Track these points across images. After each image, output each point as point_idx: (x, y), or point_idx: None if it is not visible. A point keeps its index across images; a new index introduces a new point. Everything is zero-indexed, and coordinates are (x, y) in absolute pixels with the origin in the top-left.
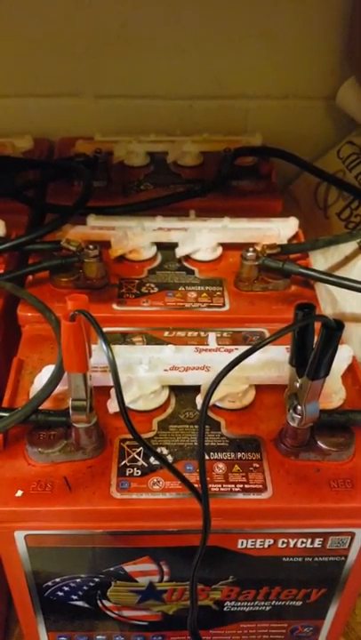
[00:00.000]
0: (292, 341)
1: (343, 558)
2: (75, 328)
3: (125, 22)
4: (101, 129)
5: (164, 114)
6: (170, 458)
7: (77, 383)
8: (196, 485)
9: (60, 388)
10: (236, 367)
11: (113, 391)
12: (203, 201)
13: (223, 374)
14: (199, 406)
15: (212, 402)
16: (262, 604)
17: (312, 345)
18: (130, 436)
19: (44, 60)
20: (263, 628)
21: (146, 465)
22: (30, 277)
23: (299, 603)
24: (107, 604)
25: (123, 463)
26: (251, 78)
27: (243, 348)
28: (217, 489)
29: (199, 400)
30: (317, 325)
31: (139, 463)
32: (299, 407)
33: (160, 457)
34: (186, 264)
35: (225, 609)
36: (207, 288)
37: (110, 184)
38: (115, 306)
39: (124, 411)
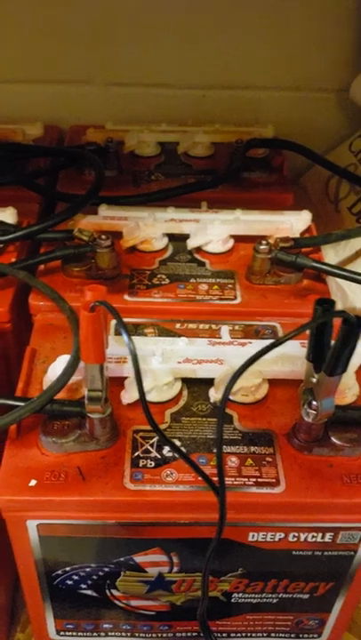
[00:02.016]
0: (310, 337)
1: (353, 553)
2: (94, 319)
3: (137, 10)
4: (112, 117)
5: (175, 103)
6: (183, 450)
7: (94, 374)
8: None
9: (73, 378)
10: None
11: (127, 382)
12: (213, 192)
13: (241, 370)
14: (212, 399)
15: (223, 394)
16: (270, 596)
17: (330, 341)
18: (143, 428)
19: (56, 46)
20: (269, 619)
21: (159, 456)
22: (42, 267)
23: (306, 596)
24: (115, 593)
25: (136, 454)
26: (263, 69)
27: (256, 342)
28: (230, 482)
29: (212, 393)
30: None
31: (152, 455)
32: (314, 402)
33: (178, 450)
34: (197, 256)
35: (232, 600)
36: (218, 280)
37: (121, 173)
38: (126, 296)
39: (145, 403)
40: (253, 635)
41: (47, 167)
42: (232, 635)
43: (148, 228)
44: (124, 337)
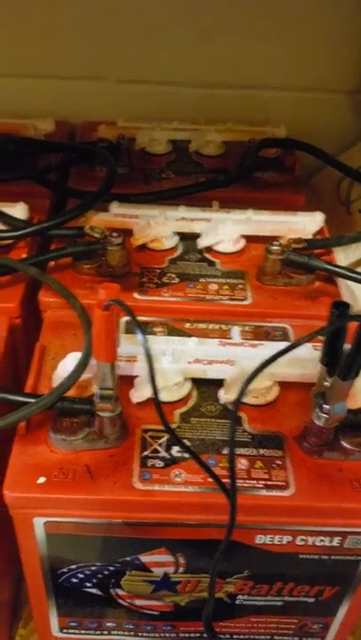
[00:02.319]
0: (325, 340)
1: (360, 558)
2: (108, 317)
3: (151, 7)
4: (123, 114)
5: (186, 101)
6: (196, 453)
7: (105, 372)
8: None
9: (83, 376)
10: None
11: (137, 381)
12: (224, 191)
13: (256, 373)
14: (222, 400)
15: (236, 397)
16: (274, 599)
17: (343, 345)
18: (152, 427)
19: (68, 42)
20: (273, 622)
21: (168, 456)
22: (52, 263)
23: (311, 599)
24: (120, 592)
25: (145, 454)
26: (274, 69)
27: (267, 344)
28: (240, 484)
29: (222, 394)
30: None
31: (160, 454)
32: (326, 406)
33: (191, 451)
34: (207, 255)
35: (237, 602)
36: (229, 280)
37: (131, 171)
38: (136, 295)
39: (158, 402)
40: (257, 637)
41: (59, 163)
42: (235, 636)
43: (159, 226)
44: (139, 336)
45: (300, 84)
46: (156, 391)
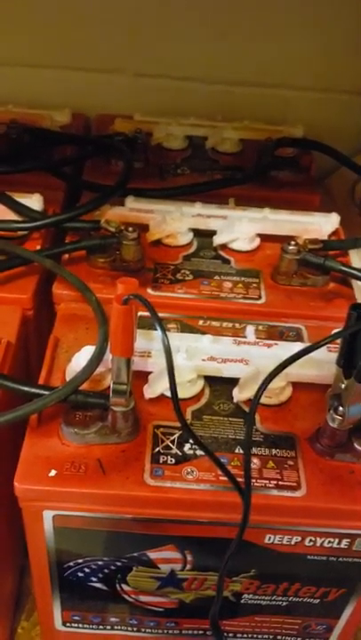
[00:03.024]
0: (342, 342)
1: None
2: (127, 312)
3: (172, 2)
4: (139, 108)
5: (203, 98)
6: (211, 451)
7: (121, 367)
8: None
9: (97, 370)
10: (275, 363)
11: (151, 377)
12: (239, 189)
13: (276, 372)
14: (235, 399)
15: (249, 396)
16: (280, 599)
17: None
18: (164, 423)
19: (87, 33)
20: (277, 622)
21: (180, 453)
22: (66, 256)
23: (316, 601)
24: (125, 588)
25: (157, 450)
26: (294, 68)
27: (282, 344)
28: (252, 484)
29: (236, 393)
30: None
31: (172, 451)
32: (341, 408)
33: (206, 449)
34: (222, 253)
35: (242, 601)
36: (243, 279)
37: (147, 166)
38: (150, 290)
39: (176, 399)
40: (260, 636)
41: (74, 155)
42: (238, 635)
43: (175, 222)
44: (159, 331)
45: (319, 84)
46: (174, 388)
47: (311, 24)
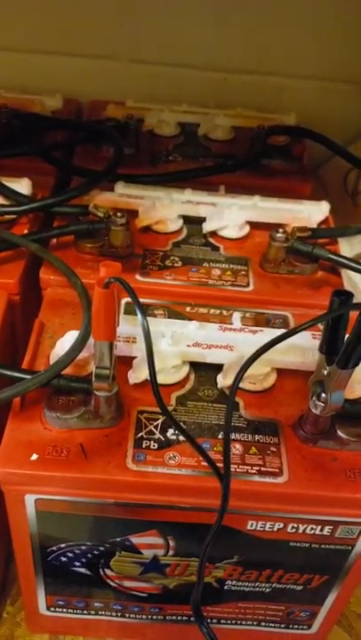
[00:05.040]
0: (325, 328)
1: (350, 548)
2: (108, 295)
3: None
4: (133, 94)
5: (198, 85)
6: (191, 436)
7: (103, 351)
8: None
9: (81, 355)
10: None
11: (135, 362)
12: (231, 177)
13: (255, 357)
14: (219, 385)
15: (233, 382)
16: (263, 585)
17: (344, 333)
18: (148, 409)
19: (81, 19)
20: (260, 609)
21: (163, 439)
22: (54, 241)
23: (299, 587)
24: (109, 573)
25: (140, 435)
26: (290, 56)
27: (268, 331)
28: (233, 469)
29: (220, 379)
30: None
31: (155, 436)
32: (323, 395)
33: (186, 433)
34: (211, 240)
35: (225, 587)
36: (232, 266)
37: (138, 152)
38: (138, 276)
39: (155, 383)
40: (244, 622)
41: (65, 140)
42: (223, 621)
43: (165, 208)
44: (139, 316)
45: (314, 72)
46: (153, 372)
47: (309, 13)
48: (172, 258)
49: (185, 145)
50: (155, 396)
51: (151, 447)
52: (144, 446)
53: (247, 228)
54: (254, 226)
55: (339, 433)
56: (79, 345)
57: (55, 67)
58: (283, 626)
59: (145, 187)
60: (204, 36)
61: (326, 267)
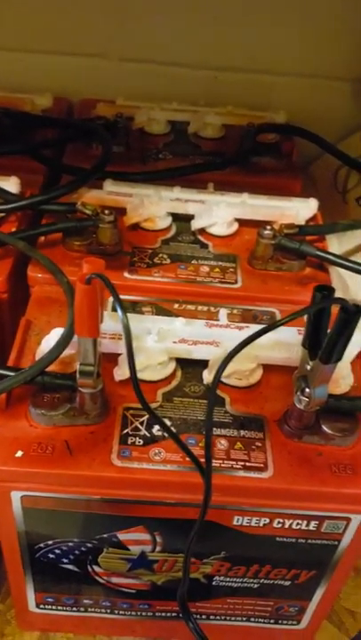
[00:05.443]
0: (308, 323)
1: (336, 542)
2: (89, 291)
3: None
4: (123, 93)
5: (188, 83)
6: (173, 430)
7: (87, 348)
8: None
9: (66, 352)
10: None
11: (121, 359)
12: (221, 174)
13: (236, 352)
14: (205, 381)
15: (214, 376)
16: (251, 581)
17: (327, 328)
18: (134, 405)
19: (71, 17)
20: (249, 604)
21: (148, 435)
22: (42, 239)
23: (287, 582)
24: (97, 569)
25: (125, 431)
26: (278, 54)
27: (253, 327)
28: (218, 464)
29: (206, 375)
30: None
31: (141, 433)
32: (307, 390)
33: (166, 427)
34: (200, 237)
35: (213, 583)
36: (220, 263)
37: (128, 150)
38: (126, 274)
39: (135, 379)
40: (233, 618)
41: (55, 139)
42: (211, 617)
43: (153, 206)
44: (118, 311)
45: (304, 70)
46: (133, 368)
47: (297, 10)
48: (160, 255)
49: (175, 143)
50: (135, 392)
51: (136, 443)
52: (129, 442)
53: (236, 226)
54: (243, 223)
55: (324, 428)
56: (63, 342)
57: (45, 65)
58: (272, 621)
59: (133, 184)
60: (195, 34)
61: (314, 263)
